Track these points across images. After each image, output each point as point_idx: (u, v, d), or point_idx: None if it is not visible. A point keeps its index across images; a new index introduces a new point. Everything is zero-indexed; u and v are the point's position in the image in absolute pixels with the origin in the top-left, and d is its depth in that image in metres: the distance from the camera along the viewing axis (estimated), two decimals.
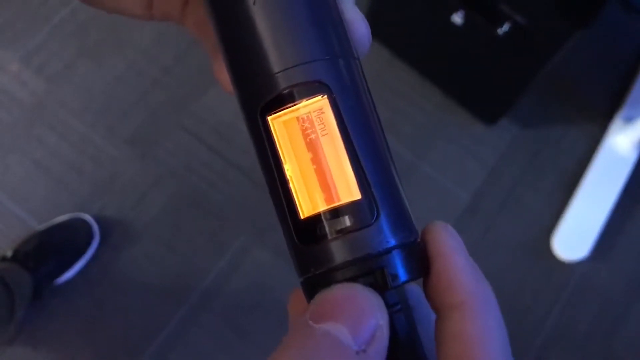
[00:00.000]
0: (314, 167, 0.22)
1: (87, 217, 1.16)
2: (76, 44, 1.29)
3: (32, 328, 1.11)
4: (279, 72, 0.22)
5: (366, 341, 0.19)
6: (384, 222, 0.21)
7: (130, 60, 1.29)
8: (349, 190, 0.21)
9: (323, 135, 0.22)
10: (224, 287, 1.17)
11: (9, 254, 1.10)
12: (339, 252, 0.21)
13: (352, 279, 0.21)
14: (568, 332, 1.22)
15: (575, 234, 1.26)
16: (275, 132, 0.22)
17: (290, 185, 0.22)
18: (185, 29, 0.29)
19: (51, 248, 1.12)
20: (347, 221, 0.21)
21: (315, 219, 0.22)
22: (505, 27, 1.05)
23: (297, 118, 0.22)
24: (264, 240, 1.19)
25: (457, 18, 1.10)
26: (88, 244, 1.14)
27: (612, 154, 1.30)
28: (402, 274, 0.21)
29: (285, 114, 0.22)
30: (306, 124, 0.22)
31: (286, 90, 0.22)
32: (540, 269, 1.25)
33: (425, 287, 0.23)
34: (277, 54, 0.22)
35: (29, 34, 1.29)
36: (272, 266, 1.18)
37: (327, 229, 0.21)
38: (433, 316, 0.22)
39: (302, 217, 0.22)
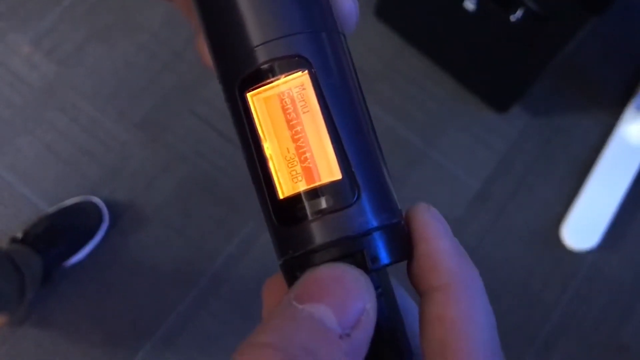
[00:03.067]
0: (294, 145, 0.21)
1: (97, 200, 1.16)
2: (87, 27, 1.29)
3: (41, 310, 1.12)
4: (257, 46, 0.21)
5: (351, 325, 0.19)
6: (365, 203, 0.21)
7: (140, 44, 1.29)
8: (329, 170, 0.21)
9: (304, 113, 0.21)
10: (232, 271, 1.17)
11: (20, 236, 1.10)
12: (318, 233, 0.21)
13: (331, 262, 0.20)
14: (576, 321, 1.21)
15: (586, 223, 1.25)
16: (255, 109, 0.21)
17: (270, 164, 0.21)
18: (174, 5, 0.28)
19: (61, 230, 1.13)
20: (327, 202, 0.20)
21: (295, 199, 0.21)
22: (518, 14, 1.04)
23: (277, 94, 0.21)
24: None
25: (470, 4, 1.09)
26: (98, 226, 1.14)
27: (624, 143, 1.29)
28: (384, 257, 0.21)
29: (264, 90, 0.21)
30: (287, 101, 0.21)
31: (265, 65, 0.21)
32: (550, 257, 1.24)
33: (409, 271, 0.22)
34: (256, 28, 0.21)
35: (40, 16, 1.29)
36: None
37: (306, 209, 0.21)
38: (416, 310, 0.22)
39: (281, 197, 0.21)
